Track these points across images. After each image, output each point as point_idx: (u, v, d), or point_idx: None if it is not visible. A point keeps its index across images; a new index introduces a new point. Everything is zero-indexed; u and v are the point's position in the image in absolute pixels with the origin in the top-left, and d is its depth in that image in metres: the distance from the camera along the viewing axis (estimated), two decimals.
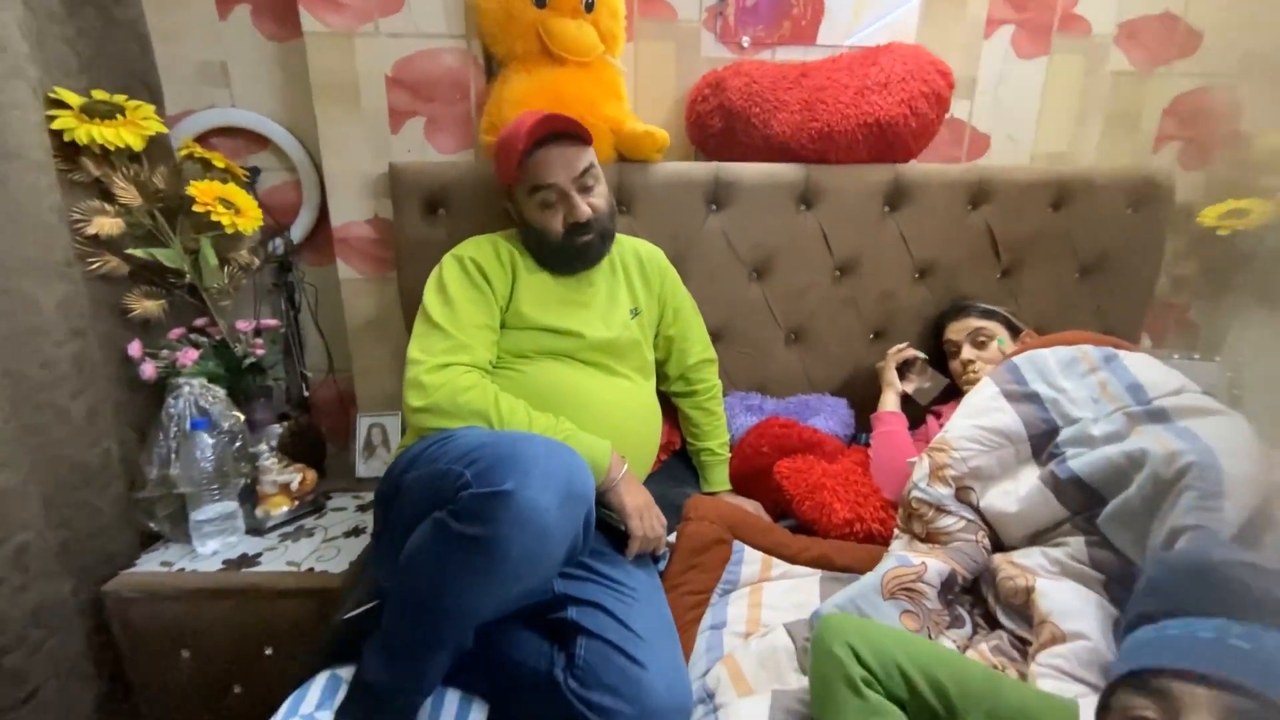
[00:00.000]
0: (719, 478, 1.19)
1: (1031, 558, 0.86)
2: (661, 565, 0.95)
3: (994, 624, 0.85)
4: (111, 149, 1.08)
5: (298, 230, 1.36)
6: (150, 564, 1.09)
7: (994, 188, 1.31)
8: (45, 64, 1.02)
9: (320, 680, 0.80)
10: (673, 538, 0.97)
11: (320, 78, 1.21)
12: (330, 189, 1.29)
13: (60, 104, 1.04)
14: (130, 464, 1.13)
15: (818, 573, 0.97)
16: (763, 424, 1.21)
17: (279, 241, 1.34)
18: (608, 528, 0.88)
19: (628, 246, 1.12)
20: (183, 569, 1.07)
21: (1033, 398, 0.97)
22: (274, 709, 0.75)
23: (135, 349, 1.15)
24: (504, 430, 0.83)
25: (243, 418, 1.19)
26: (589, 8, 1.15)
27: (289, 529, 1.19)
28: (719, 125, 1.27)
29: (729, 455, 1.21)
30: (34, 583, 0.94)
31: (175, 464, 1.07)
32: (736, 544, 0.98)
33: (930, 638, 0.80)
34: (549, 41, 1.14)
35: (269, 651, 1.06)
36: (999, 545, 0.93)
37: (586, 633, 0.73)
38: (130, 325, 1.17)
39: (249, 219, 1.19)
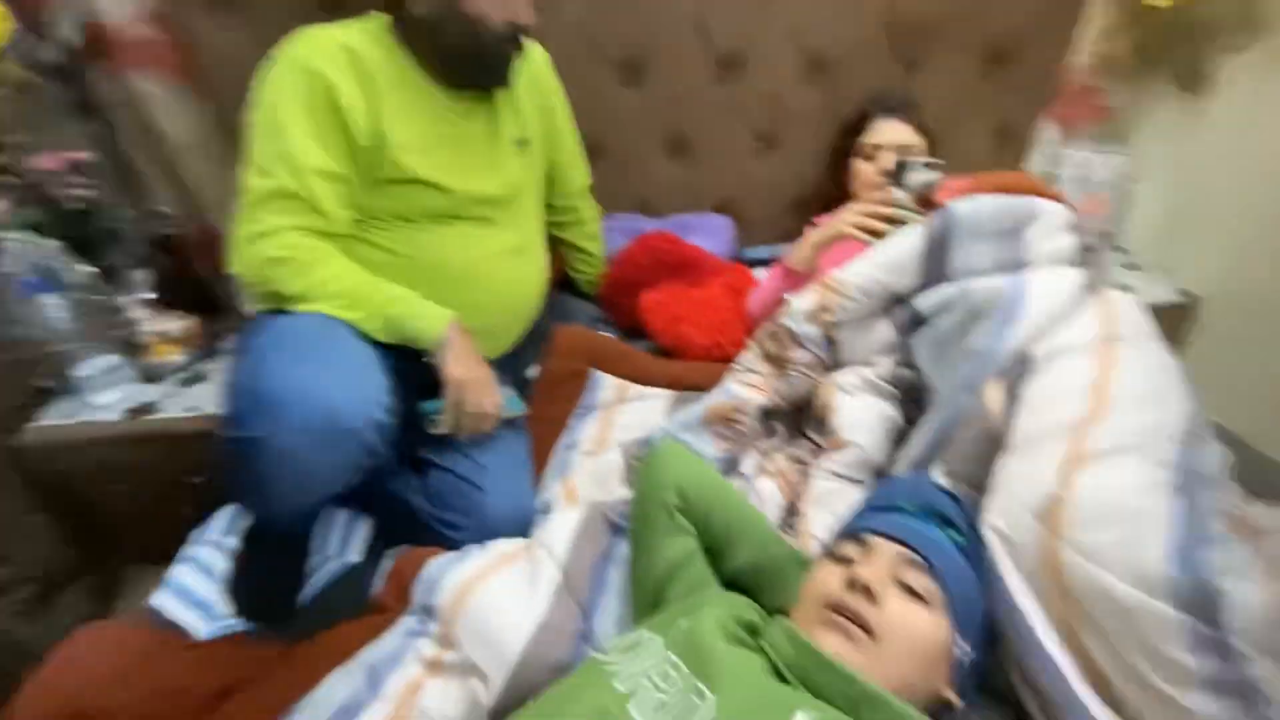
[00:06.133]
0: None
1: (844, 375, 0.94)
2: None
3: (801, 431, 0.97)
4: None
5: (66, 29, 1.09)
6: (52, 419, 1.14)
7: None
8: None
9: (226, 512, 0.93)
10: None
11: None
12: None
13: None
14: None
15: (668, 393, 1.06)
16: (645, 236, 1.20)
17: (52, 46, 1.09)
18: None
19: None
20: (85, 420, 1.13)
21: (945, 261, 0.86)
22: None
23: None
24: (303, 326, 0.74)
25: (95, 269, 1.14)
26: None
27: (186, 374, 1.23)
28: None
29: None
30: None
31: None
32: (594, 372, 1.06)
33: (737, 455, 0.90)
34: None
35: (197, 480, 1.18)
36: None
37: (437, 465, 0.86)
38: None
39: None
